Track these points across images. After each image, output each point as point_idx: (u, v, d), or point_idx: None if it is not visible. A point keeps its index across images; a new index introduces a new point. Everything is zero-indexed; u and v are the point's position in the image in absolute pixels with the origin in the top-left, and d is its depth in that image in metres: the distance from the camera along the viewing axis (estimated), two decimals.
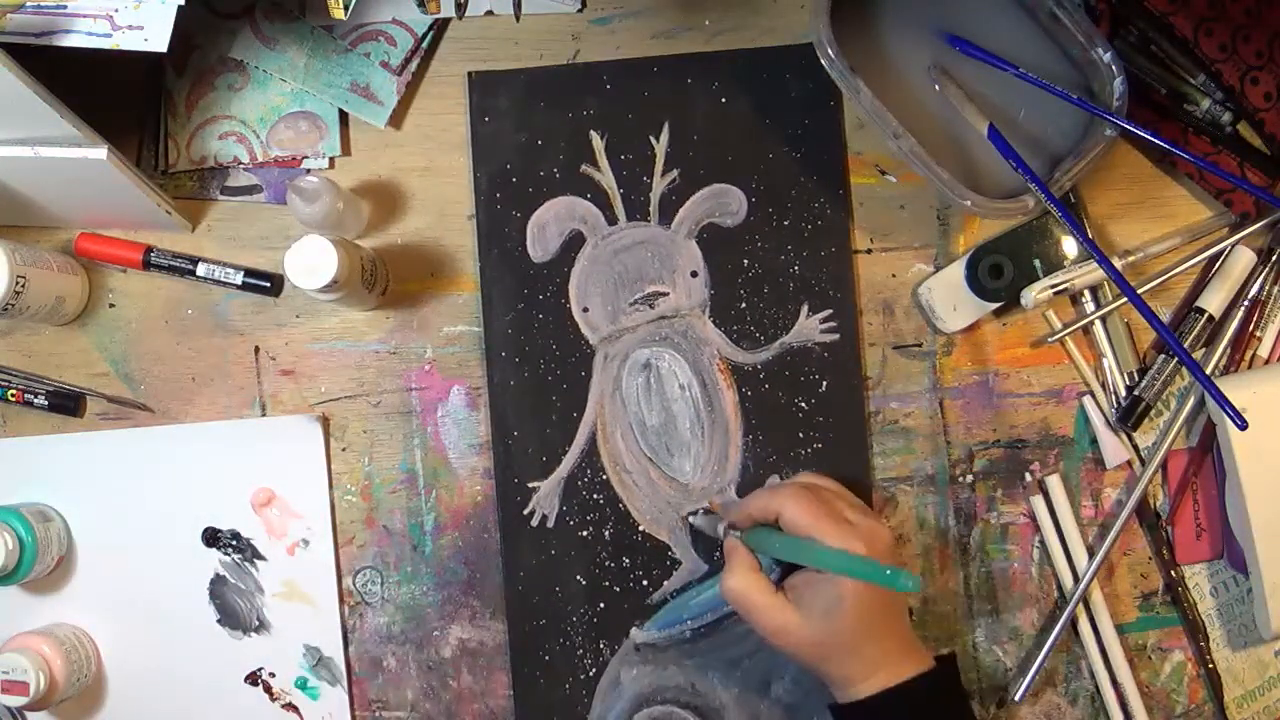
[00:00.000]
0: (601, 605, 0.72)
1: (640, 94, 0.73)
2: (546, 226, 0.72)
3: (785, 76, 0.73)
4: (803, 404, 0.72)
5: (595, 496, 0.72)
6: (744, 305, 0.73)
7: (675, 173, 0.73)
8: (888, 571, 0.54)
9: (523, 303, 0.72)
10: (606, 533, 0.72)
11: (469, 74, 0.73)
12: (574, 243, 0.72)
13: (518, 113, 0.72)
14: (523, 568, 0.71)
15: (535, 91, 0.72)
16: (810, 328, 0.73)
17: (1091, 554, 0.73)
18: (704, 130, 0.73)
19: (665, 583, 0.72)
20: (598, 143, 0.73)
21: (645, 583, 0.72)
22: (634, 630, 0.72)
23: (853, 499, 0.66)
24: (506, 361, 0.72)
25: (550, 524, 0.72)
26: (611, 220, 0.73)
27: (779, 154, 0.73)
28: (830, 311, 0.73)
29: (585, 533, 0.72)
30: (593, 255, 0.72)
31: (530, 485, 0.72)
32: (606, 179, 0.73)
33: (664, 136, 0.73)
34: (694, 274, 0.73)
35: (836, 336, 0.73)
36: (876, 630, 0.61)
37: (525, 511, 0.72)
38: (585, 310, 0.72)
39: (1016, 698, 0.72)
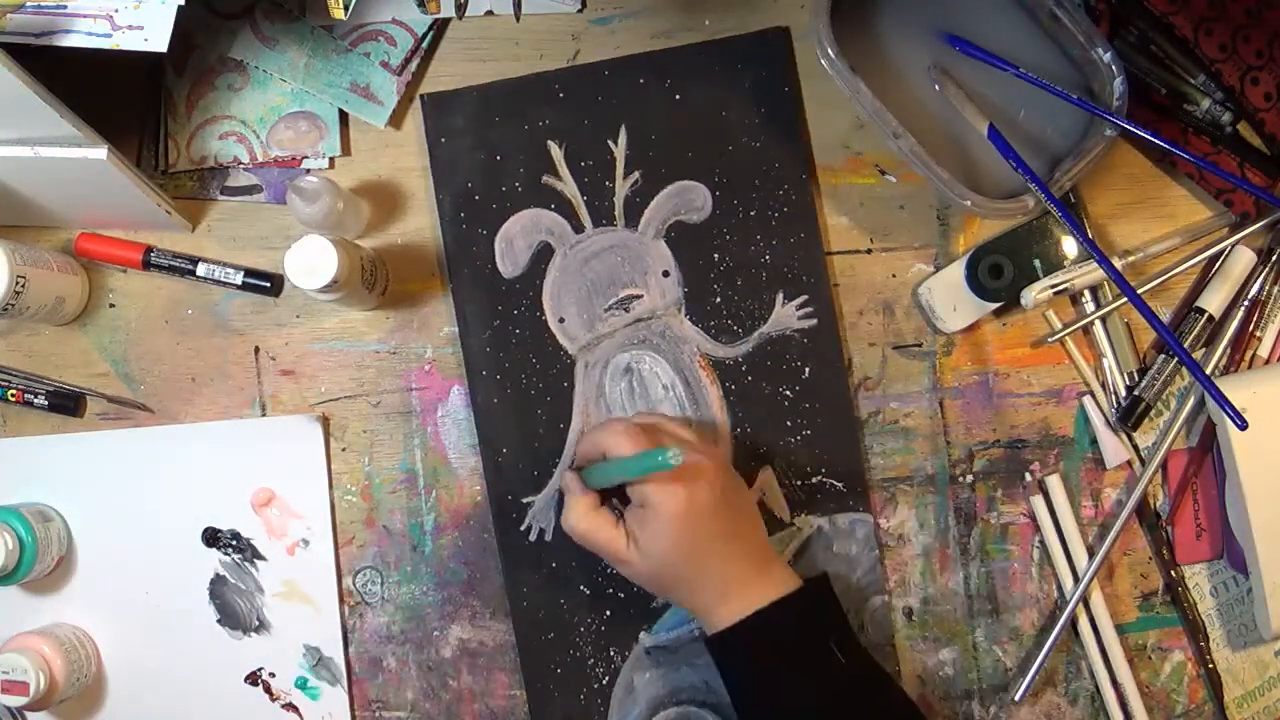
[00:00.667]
0: (607, 613, 0.71)
1: (594, 99, 0.72)
2: (514, 241, 0.72)
3: (738, 67, 0.73)
4: (787, 392, 0.72)
5: None
6: (719, 300, 0.73)
7: (637, 174, 0.73)
8: (657, 456, 0.54)
9: (498, 320, 0.72)
10: None
11: (421, 97, 0.72)
12: (543, 255, 0.72)
13: (474, 131, 0.72)
14: (526, 583, 0.71)
15: (489, 107, 0.72)
16: (787, 315, 0.73)
17: (1091, 554, 0.73)
18: (661, 129, 0.73)
19: None
20: (556, 152, 0.72)
21: None
22: (642, 634, 0.71)
23: (690, 428, 0.66)
24: (488, 380, 0.72)
25: (548, 537, 0.72)
26: (578, 228, 0.72)
27: (739, 145, 0.73)
28: (806, 297, 0.73)
29: None
30: (563, 265, 0.72)
31: (524, 501, 0.72)
32: (569, 188, 0.72)
33: (622, 139, 0.73)
34: (666, 273, 0.73)
35: (814, 321, 0.73)
36: (717, 555, 0.60)
37: (522, 528, 0.72)
38: (561, 321, 0.72)
39: (1016, 698, 0.72)
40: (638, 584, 0.63)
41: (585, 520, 0.62)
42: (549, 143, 0.72)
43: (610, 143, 0.73)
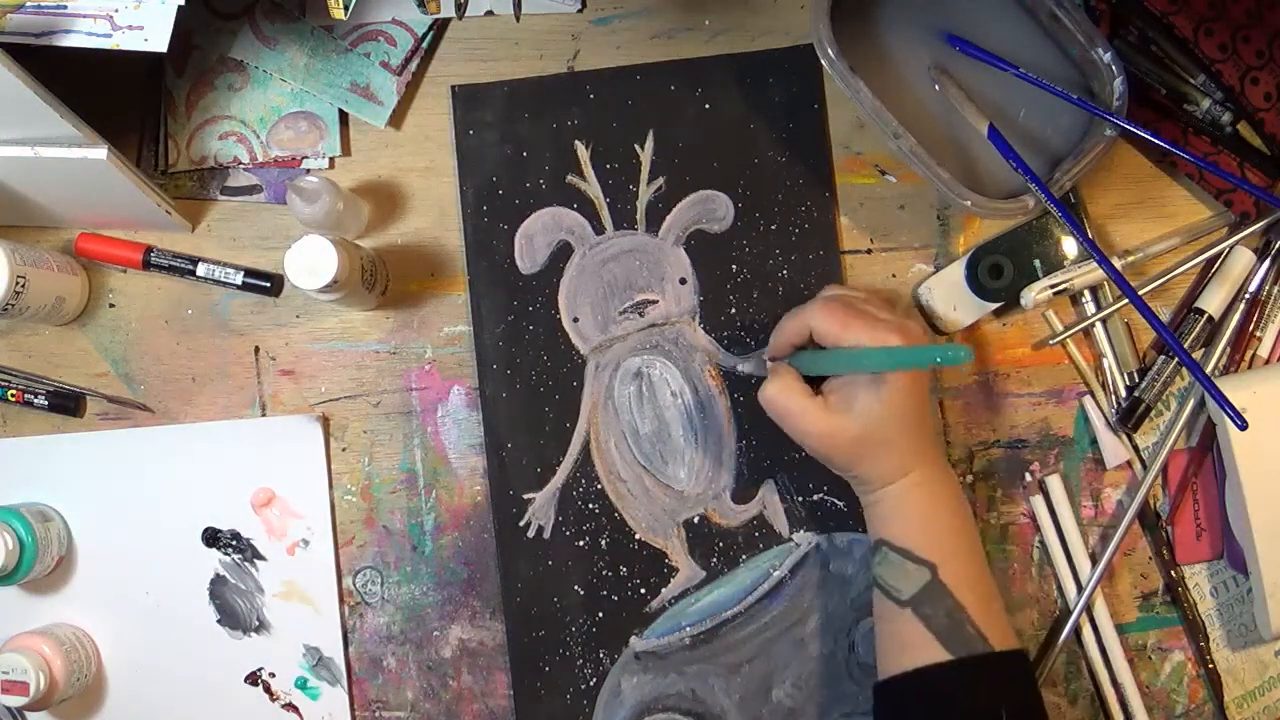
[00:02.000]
0: (600, 615, 0.71)
1: (624, 102, 0.73)
2: (534, 238, 0.72)
3: (769, 81, 0.73)
4: None
5: (591, 506, 0.72)
6: (734, 310, 0.73)
7: (661, 180, 0.73)
8: (940, 351, 0.54)
9: (513, 315, 0.72)
10: (603, 542, 0.72)
11: (453, 88, 0.72)
12: (562, 253, 0.72)
13: (502, 125, 0.72)
14: (520, 579, 0.71)
15: (519, 103, 0.72)
16: None
17: (1094, 559, 0.73)
18: (689, 137, 0.73)
19: (663, 590, 0.72)
20: (583, 152, 0.72)
21: (643, 591, 0.72)
22: (633, 639, 0.71)
23: (878, 299, 0.66)
24: (498, 374, 0.72)
25: (547, 535, 0.72)
26: (599, 230, 0.72)
27: (764, 159, 0.73)
28: None
29: (582, 543, 0.72)
30: (581, 265, 0.72)
31: (525, 497, 0.72)
32: (592, 188, 0.72)
33: (649, 144, 0.73)
34: (683, 281, 0.73)
35: None
36: (912, 423, 0.62)
37: (521, 523, 0.71)
38: (575, 320, 0.72)
39: None
40: (828, 453, 0.63)
41: (787, 394, 0.63)
42: (575, 142, 0.72)
43: (637, 146, 0.73)
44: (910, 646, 0.60)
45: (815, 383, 0.64)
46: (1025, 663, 0.61)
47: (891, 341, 0.60)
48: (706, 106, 0.73)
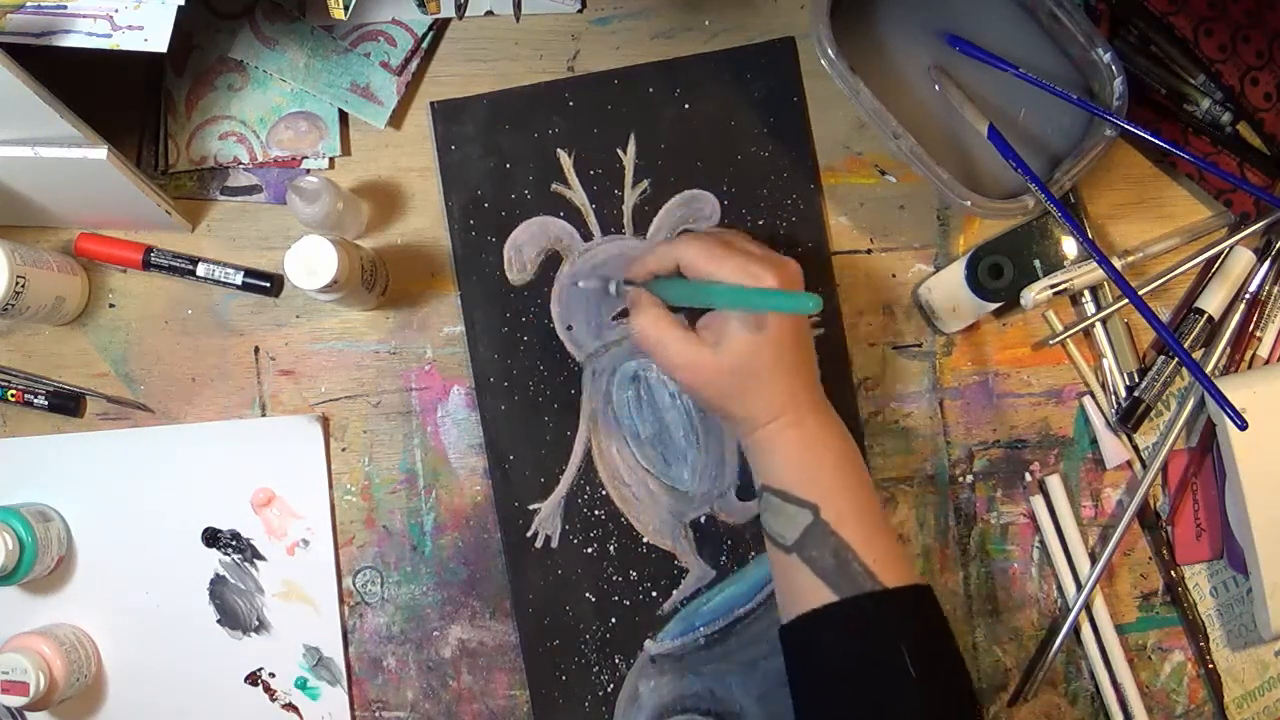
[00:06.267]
0: (613, 620, 0.71)
1: (604, 107, 0.73)
2: (523, 249, 0.72)
3: (746, 77, 0.73)
4: None
5: (597, 513, 0.72)
6: None
7: (646, 183, 0.73)
8: (789, 296, 0.54)
9: (506, 326, 0.72)
10: (611, 548, 0.72)
11: (432, 104, 0.72)
12: (552, 262, 0.72)
13: (484, 138, 0.72)
14: (531, 590, 0.71)
15: (499, 115, 0.72)
16: None
17: (1093, 558, 0.73)
18: (670, 138, 0.73)
19: (674, 592, 0.72)
20: (566, 160, 0.72)
21: (655, 594, 0.72)
22: (648, 642, 0.71)
23: (753, 239, 0.65)
24: (495, 387, 0.72)
25: (554, 544, 0.71)
26: (587, 236, 0.72)
27: (747, 155, 0.73)
28: None
29: (590, 550, 0.72)
30: (572, 273, 0.72)
31: (531, 508, 0.71)
32: (578, 195, 0.72)
33: (631, 148, 0.73)
34: None
35: (821, 331, 0.73)
36: (787, 364, 0.60)
37: (528, 534, 0.71)
38: (569, 328, 0.72)
39: (1031, 694, 0.72)
40: (696, 388, 0.62)
41: (656, 325, 0.62)
42: (558, 151, 0.72)
43: (619, 151, 0.73)
44: (802, 591, 0.58)
45: (692, 319, 0.63)
46: (923, 597, 0.59)
47: (766, 280, 0.58)
48: (686, 106, 0.73)
